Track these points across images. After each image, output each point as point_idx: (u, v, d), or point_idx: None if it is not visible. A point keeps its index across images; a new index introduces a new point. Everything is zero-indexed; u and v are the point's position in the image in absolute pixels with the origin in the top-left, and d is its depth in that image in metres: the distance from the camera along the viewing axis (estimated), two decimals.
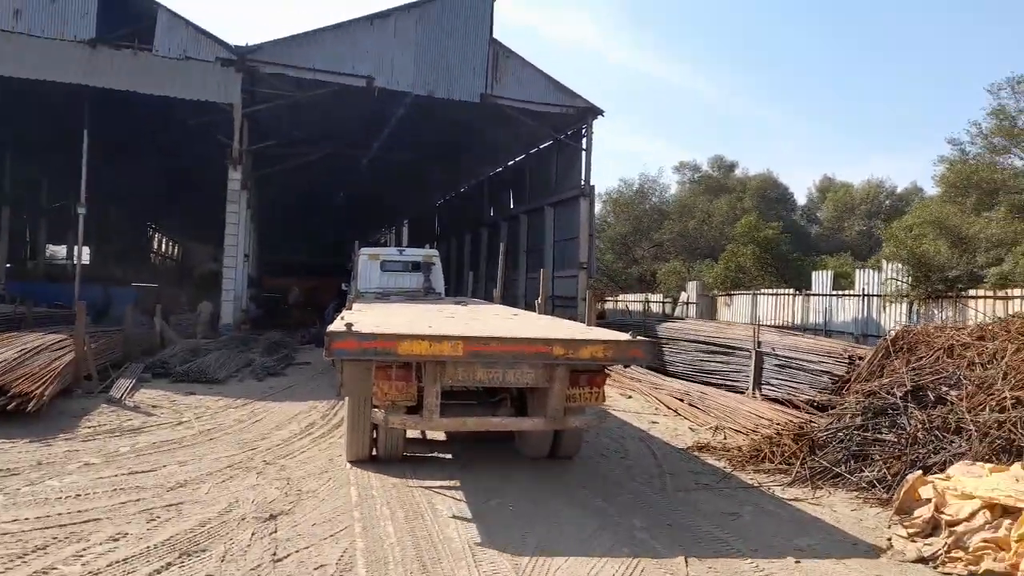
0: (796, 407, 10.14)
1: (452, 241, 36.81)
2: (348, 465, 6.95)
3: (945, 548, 4.80)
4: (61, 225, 36.14)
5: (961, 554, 4.71)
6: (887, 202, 41.17)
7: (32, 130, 24.48)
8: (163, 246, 58.30)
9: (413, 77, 20.21)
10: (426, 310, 9.86)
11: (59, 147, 24.76)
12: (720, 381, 12.92)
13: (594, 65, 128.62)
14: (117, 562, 4.21)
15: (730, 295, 26.57)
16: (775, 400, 10.96)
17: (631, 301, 33.01)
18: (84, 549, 4.38)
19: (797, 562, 4.79)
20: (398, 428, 6.53)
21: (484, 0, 20.93)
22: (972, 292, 16.11)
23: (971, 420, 6.18)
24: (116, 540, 4.57)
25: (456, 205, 37.76)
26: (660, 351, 15.19)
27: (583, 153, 23.10)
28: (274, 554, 4.43)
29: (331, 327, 6.07)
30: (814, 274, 22.61)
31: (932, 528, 5.08)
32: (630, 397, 12.47)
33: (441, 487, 6.25)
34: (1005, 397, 6.08)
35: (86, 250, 47.97)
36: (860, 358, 9.82)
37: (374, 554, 4.51)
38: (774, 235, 27.37)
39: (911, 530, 5.13)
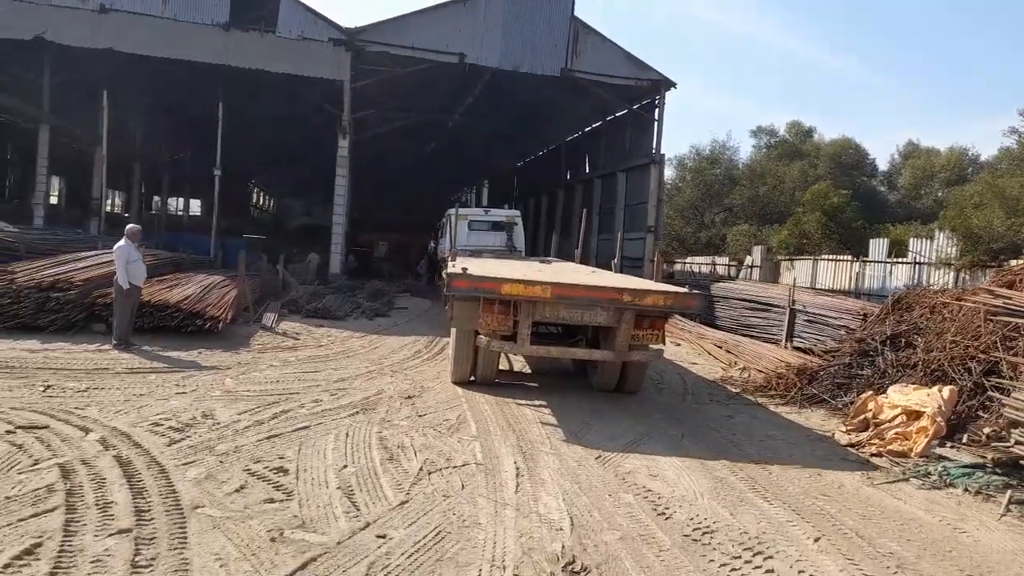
0: (816, 355, 12.09)
1: (530, 201, 38.99)
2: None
3: (868, 438, 6.94)
4: (176, 179, 40.51)
5: (878, 441, 6.85)
6: (969, 169, 40.74)
7: (159, 95, 27.70)
8: (261, 200, 62.96)
9: (500, 53, 22.28)
10: (518, 264, 12.19)
11: (180, 110, 28.17)
12: (759, 334, 14.91)
13: (685, 25, 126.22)
14: (326, 410, 6.86)
15: (792, 260, 27.90)
16: (801, 350, 12.91)
17: (699, 263, 34.58)
18: (300, 405, 7.05)
19: (761, 441, 7.02)
20: (495, 353, 8.32)
21: None
22: (1013, 262, 17.32)
23: (922, 358, 8.15)
24: (316, 402, 7.23)
25: (534, 167, 39.78)
26: (712, 307, 17.24)
27: (655, 123, 24.75)
28: (417, 413, 7.01)
29: (450, 270, 8.44)
30: (871, 242, 23.78)
31: (865, 427, 7.22)
32: (679, 345, 14.62)
33: (521, 399, 8.30)
34: (947, 341, 8.01)
35: (196, 203, 52.84)
36: (870, 314, 11.66)
37: (478, 417, 7.01)
38: (840, 202, 28.36)
39: (850, 427, 7.29)
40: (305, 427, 6.17)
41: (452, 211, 18.77)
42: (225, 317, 11.53)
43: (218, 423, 6.09)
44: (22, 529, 3.70)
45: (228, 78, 22.21)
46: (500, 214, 23.13)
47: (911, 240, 21.82)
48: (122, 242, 10.29)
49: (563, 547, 4.00)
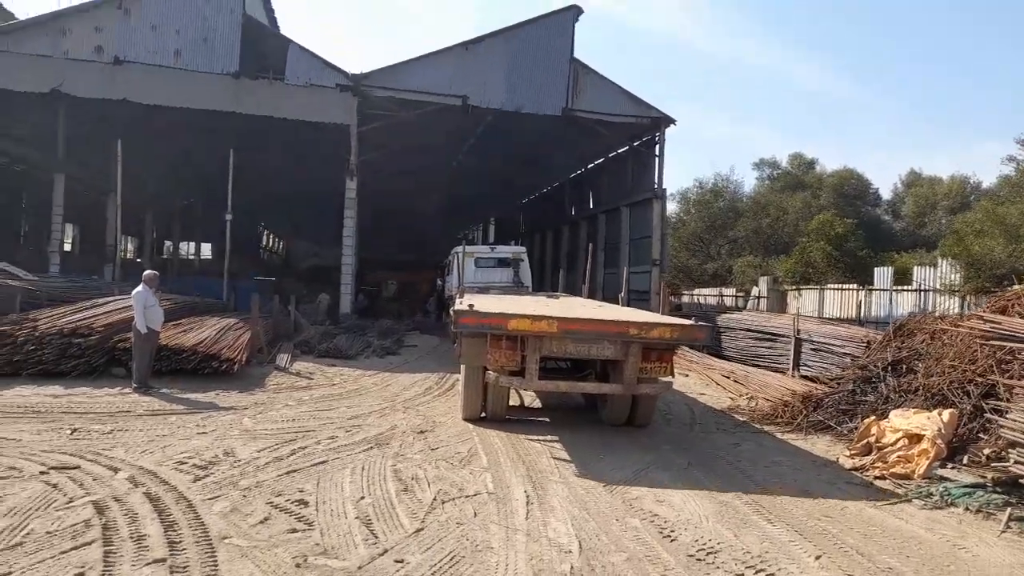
0: (822, 382, 12.24)
1: (535, 238, 39.47)
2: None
3: (871, 461, 7.09)
4: (187, 224, 41.24)
5: (881, 464, 7.00)
6: (972, 196, 41.08)
7: (171, 143, 28.40)
8: (270, 242, 63.80)
9: (502, 95, 22.91)
10: (525, 300, 12.35)
11: (191, 157, 28.86)
12: (766, 364, 15.07)
13: (684, 52, 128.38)
14: (341, 446, 7.09)
15: (799, 289, 28.12)
16: (808, 378, 13.06)
17: (706, 295, 34.82)
18: (317, 441, 7.28)
19: (767, 467, 7.18)
20: (504, 388, 8.38)
21: (566, 23, 23.42)
22: (1015, 287, 17.49)
23: (922, 383, 8.33)
24: (332, 438, 7.45)
25: (539, 204, 40.38)
26: (719, 338, 17.41)
27: (656, 159, 25.28)
28: (430, 447, 7.22)
29: (457, 307, 8.67)
30: (876, 270, 24.02)
31: (868, 451, 7.38)
32: (687, 375, 14.77)
33: (532, 434, 8.41)
34: (946, 366, 8.19)
35: (207, 247, 53.58)
36: (874, 342, 11.84)
37: (488, 450, 7.21)
38: (845, 231, 28.69)
39: (853, 452, 7.44)
40: (323, 462, 6.39)
41: (459, 249, 19.15)
42: (240, 359, 11.81)
43: (239, 460, 6.33)
44: (64, 560, 3.94)
45: (238, 125, 22.85)
46: (506, 251, 23.51)
47: (915, 268, 22.04)
48: (140, 288, 10.64)
49: (572, 568, 4.20)
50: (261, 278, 36.39)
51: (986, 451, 6.61)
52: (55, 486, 5.24)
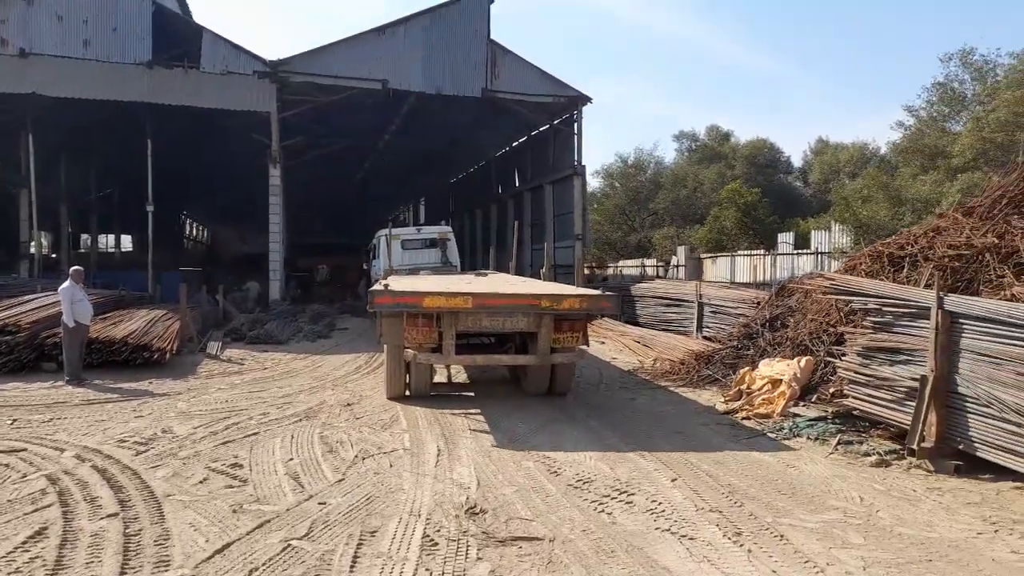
0: (718, 341, 13.48)
1: (465, 217, 40.11)
2: None
3: (741, 405, 8.22)
4: (104, 217, 40.17)
5: (748, 406, 8.15)
6: (871, 161, 43.79)
7: (84, 135, 27.71)
8: (194, 231, 62.36)
9: (422, 78, 23.36)
10: (448, 278, 12.52)
11: (106, 148, 28.26)
12: (675, 328, 16.32)
13: (608, 26, 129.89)
14: (273, 420, 7.76)
15: (714, 257, 29.76)
16: (708, 338, 14.31)
17: (629, 266, 36.28)
18: (249, 417, 7.92)
19: (654, 415, 8.22)
20: (426, 366, 8.69)
21: (482, 5, 23.97)
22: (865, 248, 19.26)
23: (790, 336, 9.53)
24: (264, 414, 8.11)
25: (467, 184, 40.97)
26: (634, 306, 18.61)
27: (575, 137, 26.25)
28: (355, 416, 7.97)
29: (372, 288, 9.23)
30: (780, 235, 25.74)
31: (740, 397, 8.50)
32: (603, 342, 15.85)
33: (454, 404, 8.96)
34: (808, 320, 9.41)
35: (127, 239, 52.08)
36: (763, 302, 13.11)
37: (409, 416, 7.99)
38: (753, 199, 30.43)
39: (728, 398, 8.59)
40: (255, 433, 7.07)
41: (383, 232, 19.65)
42: (171, 348, 12.22)
43: (177, 436, 6.94)
44: (28, 520, 4.56)
45: (154, 115, 22.64)
46: (432, 231, 24.11)
47: (812, 233, 23.74)
48: (66, 283, 10.93)
49: (468, 498, 5.06)
50: (188, 268, 35.99)
51: (831, 390, 7.80)
52: (7, 465, 5.78)
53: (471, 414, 8.23)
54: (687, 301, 16.27)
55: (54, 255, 35.28)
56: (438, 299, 8.04)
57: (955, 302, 6.08)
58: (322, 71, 22.50)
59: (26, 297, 13.61)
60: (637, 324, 17.59)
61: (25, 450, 6.30)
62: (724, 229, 30.09)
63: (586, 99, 25.80)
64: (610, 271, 36.75)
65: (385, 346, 9.02)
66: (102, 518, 4.61)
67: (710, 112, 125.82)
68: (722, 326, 14.41)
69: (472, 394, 9.82)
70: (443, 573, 3.87)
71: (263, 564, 3.95)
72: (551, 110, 26.12)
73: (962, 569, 3.99)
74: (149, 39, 21.33)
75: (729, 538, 4.40)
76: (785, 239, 24.91)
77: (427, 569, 3.92)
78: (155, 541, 4.25)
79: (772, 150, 47.67)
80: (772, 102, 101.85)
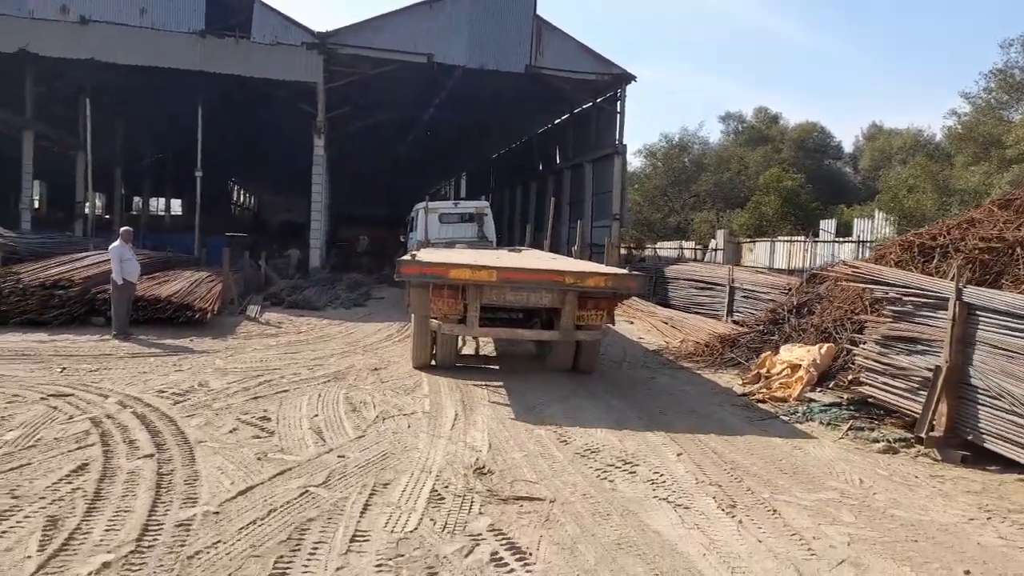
0: (747, 326, 13.48)
1: (505, 193, 40.24)
2: None
3: (758, 388, 8.31)
4: (156, 181, 41.43)
5: (765, 390, 8.23)
6: (925, 150, 42.48)
7: (138, 100, 28.51)
8: (241, 198, 63.76)
9: (466, 52, 23.47)
10: (480, 253, 12.52)
11: (159, 114, 29.09)
12: (706, 311, 16.31)
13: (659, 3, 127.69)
14: (303, 380, 8.13)
15: (753, 242, 29.44)
16: (737, 323, 14.30)
17: (667, 248, 36.03)
18: (281, 376, 8.31)
19: (671, 394, 8.37)
20: (452, 337, 8.84)
21: None
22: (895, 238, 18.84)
23: (815, 323, 9.54)
24: (296, 374, 8.49)
25: (509, 159, 41.05)
26: (666, 288, 18.64)
27: (618, 115, 26.10)
28: (381, 380, 8.30)
29: (400, 258, 9.38)
30: (822, 222, 25.32)
31: (758, 379, 8.59)
32: (632, 323, 15.96)
33: (478, 375, 9.17)
34: (834, 307, 9.40)
35: (176, 203, 53.53)
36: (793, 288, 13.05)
37: (432, 383, 8.28)
38: (795, 185, 29.90)
39: (746, 381, 8.67)
40: (285, 391, 7.45)
41: (420, 205, 19.92)
42: (212, 309, 12.74)
43: (212, 389, 7.36)
44: (72, 456, 4.97)
45: (206, 83, 23.21)
46: (469, 206, 24.33)
47: (855, 221, 23.32)
48: (116, 243, 11.48)
49: (477, 459, 5.32)
50: (233, 234, 36.96)
51: (849, 377, 7.84)
52: (55, 408, 6.23)
53: (493, 385, 8.39)
54: (719, 284, 16.24)
55: (107, 216, 36.55)
56: (463, 271, 8.13)
57: (973, 294, 6.07)
58: (369, 44, 22.78)
59: (79, 255, 14.27)
60: (669, 306, 17.62)
61: (73, 395, 6.76)
62: (764, 215, 29.66)
63: (630, 77, 25.60)
64: (647, 252, 36.58)
65: (412, 315, 9.15)
66: (139, 458, 5.00)
67: (760, 93, 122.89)
68: (752, 311, 14.38)
69: (497, 367, 9.91)
70: (445, 524, 4.14)
71: (282, 506, 4.27)
72: (595, 88, 25.99)
73: (946, 550, 4.10)
74: (203, 8, 21.85)
75: (723, 509, 4.57)
76: (826, 227, 24.50)
77: (431, 519, 4.19)
78: (185, 481, 4.62)
79: (822, 134, 46.66)
80: (826, 84, 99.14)
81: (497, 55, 23.75)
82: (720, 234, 31.53)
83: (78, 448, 5.14)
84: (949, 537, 4.30)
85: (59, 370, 8.14)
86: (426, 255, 9.79)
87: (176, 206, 53.41)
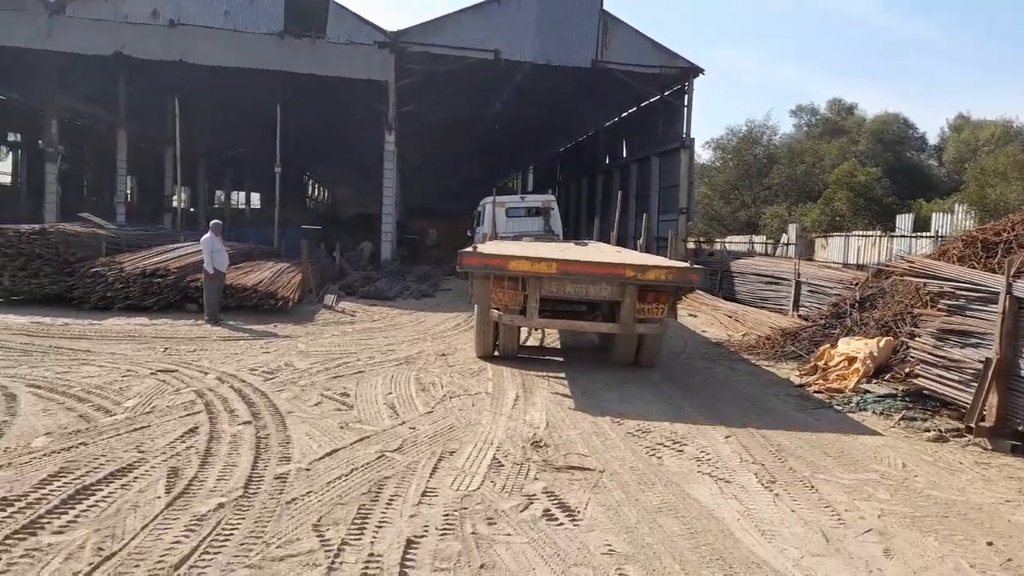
0: (812, 320, 13.48)
1: (571, 187, 40.54)
2: None
3: (815, 378, 8.49)
4: (238, 175, 43.51)
5: (822, 380, 8.40)
6: (1016, 140, 40.43)
7: (222, 98, 29.93)
8: (316, 191, 66.11)
9: (533, 48, 23.89)
10: (545, 246, 12.49)
11: (240, 111, 30.62)
12: (772, 305, 16.33)
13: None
14: (377, 362, 8.80)
15: (826, 237, 28.86)
16: (803, 317, 14.30)
17: (737, 242, 35.63)
18: (357, 359, 8.99)
19: (726, 383, 8.63)
20: (514, 327, 9.03)
21: None
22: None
23: (875, 317, 9.60)
24: (371, 358, 9.16)
25: (575, 153, 41.31)
26: (732, 282, 18.68)
27: (684, 109, 26.05)
28: (448, 364, 8.88)
29: (462, 250, 9.60)
30: (898, 217, 24.67)
31: (815, 371, 8.75)
32: (695, 316, 16.13)
33: (539, 364, 9.65)
34: (895, 301, 9.44)
35: (255, 196, 55.91)
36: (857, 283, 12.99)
37: (496, 371, 8.77)
38: (868, 179, 29.11)
39: (803, 372, 8.86)
40: (361, 372, 8.10)
41: (488, 199, 20.46)
42: (293, 297, 13.64)
43: (297, 369, 8.08)
44: (183, 421, 5.72)
45: (284, 81, 24.38)
46: (536, 199, 24.79)
47: (933, 215, 22.66)
48: (208, 235, 12.46)
49: (535, 434, 5.80)
50: (308, 227, 38.52)
51: (905, 370, 7.94)
52: (164, 381, 7.05)
53: (554, 372, 8.76)
54: (784, 279, 16.21)
55: (192, 209, 38.68)
56: (523, 263, 8.24)
57: (1023, 288, 6.15)
58: (438, 41, 23.47)
59: (172, 246, 15.43)
60: (735, 300, 17.68)
61: (177, 371, 7.59)
62: (837, 211, 29.01)
63: (698, 70, 25.51)
64: (717, 246, 36.25)
65: (475, 306, 9.36)
66: (239, 424, 5.70)
67: (840, 81, 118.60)
68: (818, 305, 14.34)
69: (561, 359, 10.05)
70: (504, 486, 4.63)
71: (362, 466, 4.86)
72: (661, 81, 26.03)
73: (974, 526, 4.33)
74: (281, 10, 22.94)
75: (763, 484, 4.90)
76: (902, 222, 23.87)
77: (492, 481, 4.70)
78: (279, 444, 5.27)
79: (904, 125, 45.00)
80: (913, 73, 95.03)
81: (563, 50, 24.08)
82: (792, 228, 30.98)
83: (187, 415, 5.88)
84: (981, 515, 4.52)
85: (162, 350, 9.03)
86: (488, 247, 10.12)
87: (255, 199, 55.94)
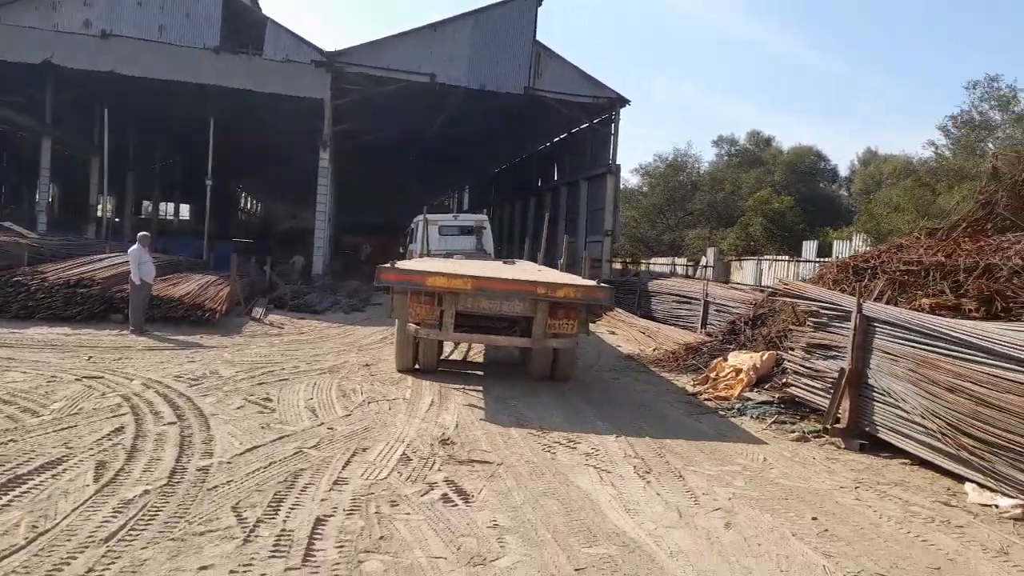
0: (714, 336, 14.51)
1: (506, 207, 41.46)
2: None
3: (706, 388, 9.35)
4: (165, 186, 42.75)
5: (712, 389, 9.27)
6: (914, 175, 43.55)
7: (153, 110, 29.58)
8: (248, 204, 65.19)
9: (467, 73, 24.68)
10: (473, 263, 13.06)
11: (171, 123, 30.33)
12: (684, 323, 17.38)
13: (660, 21, 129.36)
14: (302, 371, 9.21)
15: (740, 260, 30.49)
16: (708, 334, 15.33)
17: (660, 264, 37.12)
18: (282, 368, 9.38)
19: (628, 393, 9.40)
20: (434, 342, 9.41)
21: (529, 7, 25.14)
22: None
23: (763, 334, 10.59)
24: (296, 367, 9.56)
25: (509, 175, 42.31)
26: (649, 301, 19.72)
27: (611, 136, 27.31)
28: (371, 374, 9.36)
29: (381, 265, 9.99)
30: (804, 243, 26.37)
31: (706, 381, 9.63)
32: (614, 333, 17.00)
33: (459, 377, 10.47)
34: (780, 320, 10.46)
35: (185, 207, 54.81)
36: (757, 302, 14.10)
37: (417, 383, 9.28)
38: (782, 207, 31.00)
39: (696, 382, 9.72)
40: (285, 380, 8.53)
41: (420, 217, 20.99)
42: (221, 309, 13.85)
43: (222, 376, 8.45)
44: (109, 421, 6.06)
45: (218, 96, 24.45)
46: (469, 219, 25.47)
47: (835, 242, 24.37)
48: (135, 247, 12.62)
49: (443, 434, 6.39)
50: (239, 239, 38.16)
51: (782, 380, 8.88)
52: (90, 387, 7.33)
53: (471, 383, 9.27)
54: (695, 299, 17.31)
55: (117, 219, 37.76)
56: (439, 279, 8.58)
57: (870, 308, 7.13)
58: (375, 63, 24.01)
59: (97, 256, 15.40)
60: (652, 318, 18.68)
61: (103, 377, 7.86)
62: (752, 235, 30.75)
63: (624, 101, 26.82)
64: (642, 267, 37.65)
65: (396, 321, 9.61)
66: (164, 424, 6.09)
67: (765, 112, 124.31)
68: (723, 323, 15.41)
69: (481, 373, 10.46)
70: (410, 476, 5.20)
71: (280, 460, 5.35)
72: (590, 110, 27.23)
73: (807, 506, 5.13)
74: (219, 26, 23.07)
75: (638, 474, 5.62)
76: (808, 248, 25.55)
77: (399, 472, 5.26)
78: (203, 441, 5.69)
79: (816, 157, 47.78)
80: (831, 107, 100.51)
81: (497, 77, 24.95)
82: (710, 251, 32.57)
83: (113, 416, 6.23)
84: (815, 498, 5.33)
85: (87, 358, 9.22)
86: (410, 264, 10.64)
87: (184, 210, 54.78)
